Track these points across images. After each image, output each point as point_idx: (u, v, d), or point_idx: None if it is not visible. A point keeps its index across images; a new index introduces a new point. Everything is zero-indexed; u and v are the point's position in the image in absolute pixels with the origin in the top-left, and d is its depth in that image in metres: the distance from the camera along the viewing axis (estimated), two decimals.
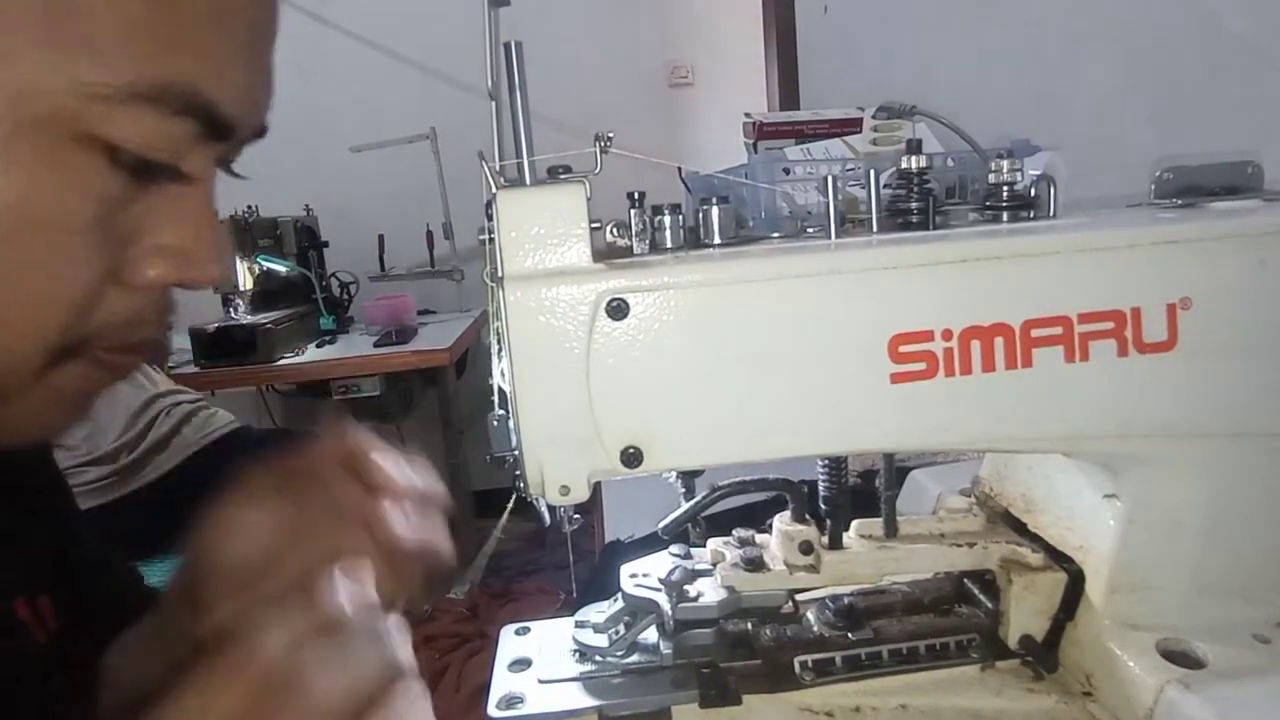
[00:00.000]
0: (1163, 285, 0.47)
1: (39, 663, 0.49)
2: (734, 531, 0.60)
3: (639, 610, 0.57)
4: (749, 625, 0.59)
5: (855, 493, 0.59)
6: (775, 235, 0.56)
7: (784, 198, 0.74)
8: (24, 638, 0.48)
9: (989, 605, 0.59)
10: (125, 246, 0.34)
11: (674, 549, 0.60)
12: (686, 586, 0.56)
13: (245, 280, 2.46)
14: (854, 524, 0.60)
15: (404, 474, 0.43)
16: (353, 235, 3.05)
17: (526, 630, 0.63)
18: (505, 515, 0.51)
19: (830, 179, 0.51)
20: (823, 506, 0.58)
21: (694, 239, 0.51)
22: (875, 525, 0.60)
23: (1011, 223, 0.53)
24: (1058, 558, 0.57)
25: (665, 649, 0.56)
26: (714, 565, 0.58)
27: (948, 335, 0.46)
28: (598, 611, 0.58)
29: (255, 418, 3.01)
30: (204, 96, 0.32)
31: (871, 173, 0.52)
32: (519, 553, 2.74)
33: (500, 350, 0.47)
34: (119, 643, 0.56)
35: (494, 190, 0.44)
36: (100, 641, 0.57)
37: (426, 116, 2.85)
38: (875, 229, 0.52)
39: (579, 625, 0.57)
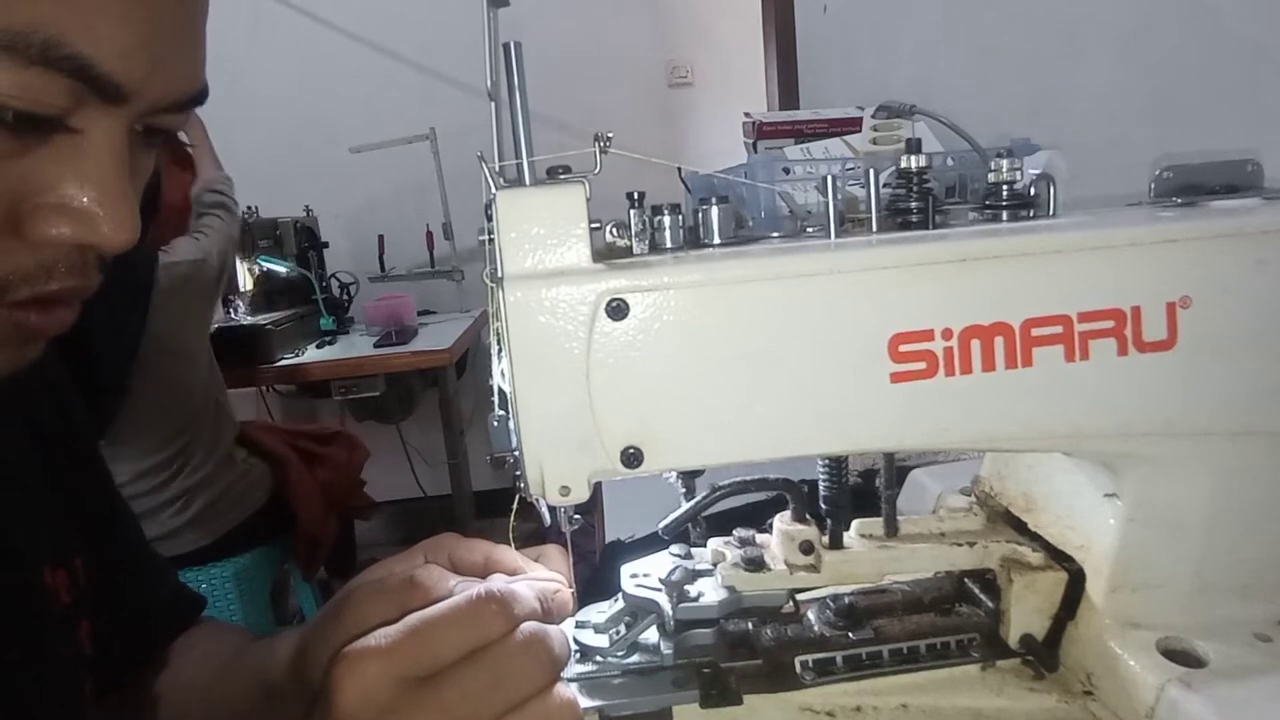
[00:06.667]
0: (1162, 284, 0.47)
1: (56, 626, 0.50)
2: (734, 531, 0.60)
3: (639, 610, 0.57)
4: (750, 625, 0.59)
5: (855, 492, 0.59)
6: (775, 235, 0.56)
7: (784, 197, 0.74)
8: (43, 603, 0.50)
9: (989, 604, 0.59)
10: (18, 201, 0.33)
11: (674, 549, 0.60)
12: (687, 586, 0.56)
13: (245, 281, 2.46)
14: (854, 523, 0.60)
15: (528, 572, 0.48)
16: (353, 236, 3.06)
17: None
18: (512, 518, 0.51)
19: (830, 179, 0.51)
20: (823, 506, 0.58)
21: (694, 239, 0.51)
22: (876, 525, 0.60)
23: (1011, 222, 0.53)
24: (1058, 557, 0.57)
25: (666, 649, 0.56)
26: (714, 565, 0.58)
27: (948, 335, 0.46)
28: (598, 612, 0.58)
29: (255, 418, 3.01)
30: (68, 49, 0.30)
31: (871, 172, 0.52)
32: None
33: (500, 350, 0.47)
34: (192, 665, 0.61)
35: (494, 191, 0.44)
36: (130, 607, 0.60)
37: (426, 117, 2.85)
38: (875, 228, 0.52)
39: (579, 625, 0.57)
